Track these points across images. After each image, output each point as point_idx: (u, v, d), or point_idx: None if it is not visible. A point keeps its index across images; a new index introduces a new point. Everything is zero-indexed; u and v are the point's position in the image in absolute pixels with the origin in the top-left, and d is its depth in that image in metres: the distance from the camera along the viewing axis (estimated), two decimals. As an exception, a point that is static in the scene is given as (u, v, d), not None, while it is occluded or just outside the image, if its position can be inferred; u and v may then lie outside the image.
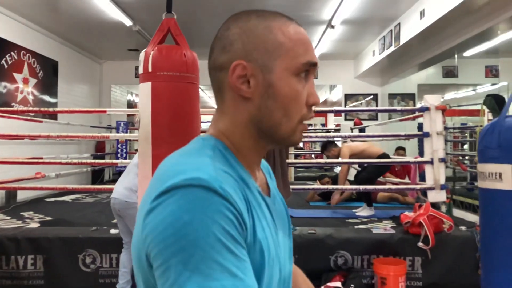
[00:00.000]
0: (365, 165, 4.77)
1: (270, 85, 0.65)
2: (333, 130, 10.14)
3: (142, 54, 2.07)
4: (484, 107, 3.61)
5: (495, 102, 3.45)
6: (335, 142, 4.84)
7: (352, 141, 5.50)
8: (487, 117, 4.01)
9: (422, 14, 5.16)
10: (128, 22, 5.99)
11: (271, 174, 0.83)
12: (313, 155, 11.43)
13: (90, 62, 8.54)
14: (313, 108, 0.70)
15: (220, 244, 0.52)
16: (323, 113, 12.79)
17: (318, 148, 13.03)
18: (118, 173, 7.91)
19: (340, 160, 4.51)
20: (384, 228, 3.76)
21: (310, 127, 13.94)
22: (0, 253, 3.37)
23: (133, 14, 5.88)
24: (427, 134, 3.77)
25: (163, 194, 0.55)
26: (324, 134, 9.35)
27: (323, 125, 14.49)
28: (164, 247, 0.52)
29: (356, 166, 5.37)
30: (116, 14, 5.72)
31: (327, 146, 4.77)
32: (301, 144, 14.33)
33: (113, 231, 3.51)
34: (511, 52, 5.95)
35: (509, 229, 2.20)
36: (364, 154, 4.59)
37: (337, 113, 10.24)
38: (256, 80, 0.65)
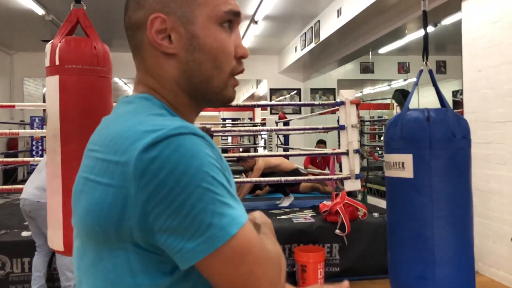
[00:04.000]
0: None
1: (194, 36, 0.61)
2: (259, 124, 10.31)
3: (48, 46, 1.96)
4: (393, 101, 3.89)
5: (402, 96, 3.72)
6: (251, 156, 5.01)
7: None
8: (395, 111, 4.32)
9: (339, 12, 5.41)
10: (40, 11, 5.60)
11: None
12: (240, 149, 11.53)
13: (-1, 53, 7.88)
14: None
15: (218, 182, 0.53)
16: (251, 107, 12.93)
17: (246, 141, 13.17)
18: (32, 171, 7.41)
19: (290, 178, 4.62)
20: (305, 217, 3.91)
21: (238, 121, 14.05)
22: None
23: (45, 3, 5.52)
24: (342, 127, 3.97)
25: (153, 145, 0.51)
26: (251, 128, 9.49)
27: (250, 119, 14.65)
28: (177, 195, 0.50)
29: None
30: (26, 2, 5.33)
31: (244, 157, 4.93)
32: (229, 139, 14.39)
33: (24, 233, 3.30)
34: (419, 50, 6.45)
35: (410, 213, 2.40)
36: (277, 169, 4.92)
37: (262, 107, 10.42)
38: (178, 34, 0.61)
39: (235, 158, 5.44)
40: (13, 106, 4.17)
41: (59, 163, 1.92)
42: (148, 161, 0.51)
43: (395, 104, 4.00)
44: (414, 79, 2.36)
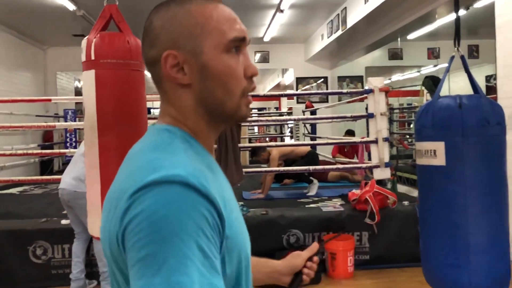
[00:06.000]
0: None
1: (204, 66, 0.66)
2: (286, 114, 10.30)
3: (84, 41, 2.03)
4: (423, 88, 3.82)
5: (433, 83, 3.65)
6: (264, 147, 4.94)
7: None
8: (425, 98, 4.24)
9: (366, -2, 5.31)
10: (71, 7, 5.75)
11: None
12: (267, 139, 11.57)
13: (33, 48, 8.13)
14: (254, 79, 0.71)
15: (192, 240, 0.53)
16: (277, 97, 12.91)
17: (272, 131, 13.19)
18: (67, 162, 7.65)
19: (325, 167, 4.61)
20: (333, 206, 3.92)
21: (264, 111, 14.06)
22: None
23: (77, -2, 5.66)
24: (371, 115, 3.94)
25: (141, 189, 0.55)
26: (277, 118, 9.49)
27: (276, 108, 14.65)
28: (138, 240, 0.53)
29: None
30: (58, -2, 5.48)
31: (256, 151, 4.88)
32: (255, 129, 14.45)
33: (64, 221, 3.44)
34: (450, 35, 6.27)
35: (443, 201, 2.37)
36: (293, 155, 4.88)
37: (289, 96, 10.39)
38: (189, 66, 0.66)
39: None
40: (50, 100, 4.34)
41: (96, 154, 2.00)
42: (130, 203, 0.56)
43: (425, 91, 3.92)
44: (445, 65, 2.32)
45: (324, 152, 6.48)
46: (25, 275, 3.31)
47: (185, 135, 0.68)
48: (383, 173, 3.97)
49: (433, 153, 2.42)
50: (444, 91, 2.69)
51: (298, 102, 9.13)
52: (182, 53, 0.66)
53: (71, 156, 3.50)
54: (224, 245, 0.59)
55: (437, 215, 2.44)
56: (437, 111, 2.45)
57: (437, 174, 2.44)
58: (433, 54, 7.22)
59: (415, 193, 4.57)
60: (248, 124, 7.89)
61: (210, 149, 0.72)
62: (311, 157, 4.90)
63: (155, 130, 0.69)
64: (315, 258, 0.96)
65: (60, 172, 7.53)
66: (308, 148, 5.08)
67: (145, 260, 0.52)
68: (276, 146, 5.17)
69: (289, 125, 10.12)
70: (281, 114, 10.87)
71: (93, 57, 1.99)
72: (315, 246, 0.98)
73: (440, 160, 2.41)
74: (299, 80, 9.11)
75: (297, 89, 8.96)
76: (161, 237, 0.52)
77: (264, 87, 15.22)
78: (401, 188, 4.91)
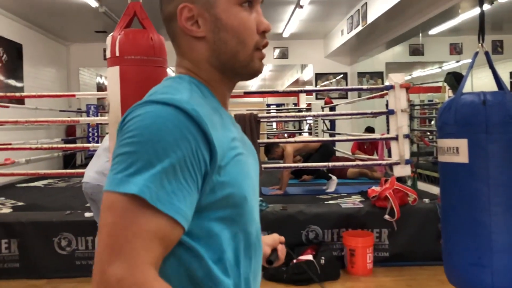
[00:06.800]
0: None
1: (217, 18, 0.70)
2: (304, 110, 10.27)
3: (109, 38, 2.08)
4: (445, 84, 3.77)
5: (455, 79, 3.60)
6: (277, 143, 4.92)
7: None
8: (447, 94, 4.18)
9: (388, -7, 5.25)
10: (93, 3, 5.84)
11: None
12: (285, 135, 11.55)
13: (56, 44, 8.30)
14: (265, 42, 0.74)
15: (164, 154, 0.57)
16: (295, 93, 12.87)
17: (290, 127, 13.17)
18: (90, 157, 7.78)
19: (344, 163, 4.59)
20: (353, 202, 3.91)
21: (282, 107, 14.04)
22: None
23: (99, -5, 5.75)
24: (392, 112, 3.90)
25: (139, 104, 0.62)
26: (296, 114, 9.47)
27: (295, 104, 14.60)
28: (122, 139, 0.60)
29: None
30: (81, -5, 5.58)
31: (270, 149, 4.84)
32: (273, 125, 14.43)
33: (87, 214, 3.53)
34: (473, 30, 6.15)
35: (465, 199, 2.35)
36: (307, 148, 4.87)
37: (308, 92, 10.34)
38: (203, 18, 0.70)
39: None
40: (74, 95, 4.43)
41: (121, 148, 2.05)
42: (126, 114, 0.63)
43: (447, 87, 3.86)
44: (467, 61, 2.29)
45: (343, 149, 6.45)
46: (50, 265, 3.41)
47: (194, 80, 0.72)
48: (403, 170, 3.94)
49: (456, 150, 2.39)
50: (466, 87, 2.65)
51: (317, 98, 9.08)
52: (196, 6, 0.70)
53: (94, 151, 3.57)
54: (214, 172, 0.62)
55: (459, 213, 2.41)
56: (460, 108, 2.42)
57: (460, 172, 2.41)
58: (456, 49, 7.08)
59: (435, 190, 4.51)
60: (266, 120, 7.91)
61: (223, 100, 0.75)
62: (326, 149, 4.84)
63: (166, 78, 0.74)
64: (283, 245, 1.05)
65: (83, 166, 7.69)
66: (318, 144, 5.00)
67: (121, 156, 0.58)
68: (287, 142, 5.12)
69: (308, 121, 10.08)
70: (299, 110, 10.84)
71: (117, 54, 2.03)
72: (282, 238, 1.05)
73: (463, 157, 2.38)
74: (318, 76, 9.06)
75: (316, 85, 8.93)
76: (139, 142, 0.58)
77: (283, 83, 15.19)
78: (422, 186, 4.85)
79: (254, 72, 0.74)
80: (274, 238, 1.01)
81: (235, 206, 0.66)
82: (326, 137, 6.44)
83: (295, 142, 4.85)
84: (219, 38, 0.70)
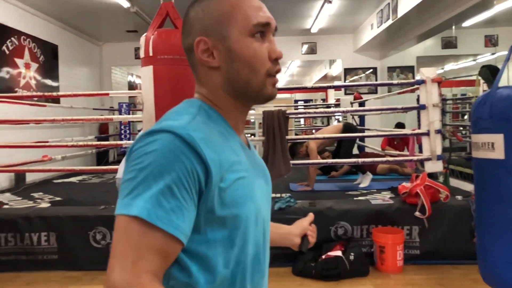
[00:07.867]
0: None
1: (230, 50, 0.75)
2: (333, 105, 10.18)
3: (142, 39, 2.13)
4: (480, 77, 3.67)
5: (490, 72, 3.50)
6: (300, 143, 4.83)
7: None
8: (482, 88, 4.06)
9: (419, -14, 5.14)
10: (125, 4, 5.98)
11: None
12: (313, 131, 11.48)
13: (89, 44, 8.54)
14: (278, 62, 0.79)
15: (160, 178, 0.63)
16: (323, 89, 12.76)
17: (319, 123, 13.08)
18: (122, 154, 8.01)
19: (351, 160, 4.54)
20: (383, 198, 3.87)
21: (310, 103, 13.96)
22: (14, 231, 3.52)
23: (130, -5, 5.88)
24: (423, 107, 3.83)
25: (142, 135, 0.68)
26: (324, 110, 9.41)
27: (323, 100, 14.49)
28: (127, 167, 0.66)
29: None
30: (113, -4, 5.72)
31: (294, 150, 4.75)
32: (301, 121, 14.38)
33: (121, 209, 3.63)
34: (509, 21, 5.94)
35: (501, 196, 2.29)
36: (330, 141, 4.84)
37: (336, 88, 10.24)
38: (218, 50, 0.76)
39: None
40: (107, 94, 4.56)
41: (154, 145, 2.10)
42: (133, 145, 0.69)
43: (482, 81, 3.76)
44: (503, 53, 2.23)
45: (373, 145, 6.37)
46: (86, 258, 3.53)
47: (204, 105, 0.77)
48: (434, 166, 3.86)
49: (491, 146, 2.34)
50: (503, 81, 2.58)
51: (346, 94, 8.99)
52: (211, 39, 0.76)
53: (126, 147, 3.67)
54: (214, 194, 0.67)
55: (494, 211, 2.36)
56: (496, 102, 2.36)
57: (495, 168, 2.36)
58: (491, 41, 6.85)
59: (468, 187, 4.40)
60: (294, 116, 7.89)
61: (235, 124, 0.80)
62: (348, 132, 4.68)
63: (183, 102, 0.80)
64: (313, 224, 1.14)
65: (115, 162, 7.90)
66: (340, 126, 4.91)
67: (126, 182, 0.65)
68: (307, 139, 5.06)
69: (336, 117, 10.00)
70: (328, 106, 10.75)
71: (151, 53, 2.09)
72: (311, 215, 1.16)
73: (498, 153, 2.33)
74: (347, 71, 8.96)
75: (345, 80, 8.84)
76: (140, 168, 0.64)
77: (311, 78, 15.10)
78: (454, 182, 4.74)
79: (266, 98, 0.79)
80: (303, 226, 1.09)
81: (233, 228, 0.71)
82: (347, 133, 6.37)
83: (316, 138, 4.77)
84: (232, 67, 0.75)
